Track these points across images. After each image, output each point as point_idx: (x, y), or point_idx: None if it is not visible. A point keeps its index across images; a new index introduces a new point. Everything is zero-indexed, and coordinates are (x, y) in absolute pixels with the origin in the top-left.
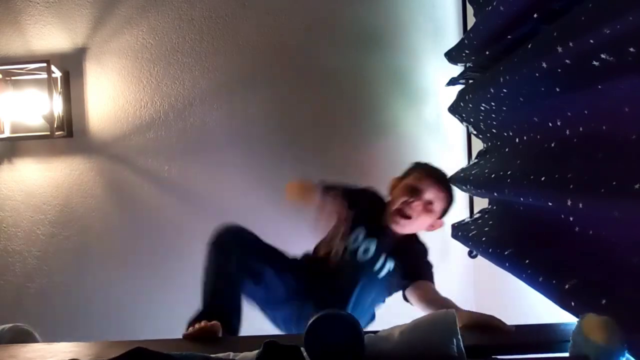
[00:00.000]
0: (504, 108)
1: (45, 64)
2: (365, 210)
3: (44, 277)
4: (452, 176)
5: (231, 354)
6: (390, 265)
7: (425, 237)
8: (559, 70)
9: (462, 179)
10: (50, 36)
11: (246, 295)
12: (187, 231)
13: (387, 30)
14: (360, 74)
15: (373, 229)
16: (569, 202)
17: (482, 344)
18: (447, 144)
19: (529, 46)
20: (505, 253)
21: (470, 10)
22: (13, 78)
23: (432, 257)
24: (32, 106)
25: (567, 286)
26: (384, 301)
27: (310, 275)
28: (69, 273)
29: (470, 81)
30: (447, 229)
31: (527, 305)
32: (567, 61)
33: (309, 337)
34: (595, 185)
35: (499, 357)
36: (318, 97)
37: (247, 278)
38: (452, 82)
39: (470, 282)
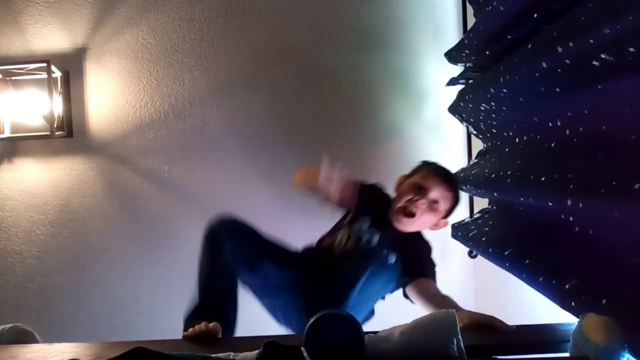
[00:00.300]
0: (504, 108)
1: (45, 64)
2: (371, 203)
3: (44, 277)
4: None
5: (231, 354)
6: (392, 259)
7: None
8: (559, 70)
9: (462, 179)
10: (50, 36)
11: (243, 283)
12: (187, 231)
13: (387, 30)
14: (360, 74)
15: (377, 221)
16: (569, 202)
17: (482, 344)
18: (447, 144)
19: (529, 46)
20: (505, 253)
21: (470, 10)
22: (13, 78)
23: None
24: (32, 106)
25: (567, 286)
26: (384, 297)
27: (310, 264)
28: (69, 273)
29: (470, 81)
30: (447, 229)
31: (527, 305)
32: (567, 61)
33: (310, 337)
34: (595, 185)
35: (499, 357)
36: (318, 97)
37: (242, 267)
38: (452, 82)
39: (470, 282)
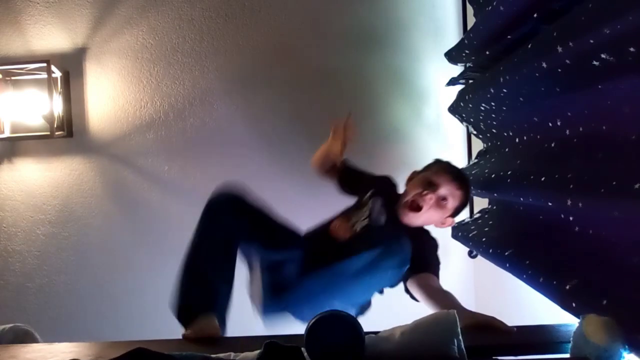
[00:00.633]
0: (504, 108)
1: (45, 64)
2: (382, 189)
3: (44, 277)
4: None
5: (232, 354)
6: (406, 245)
7: None
8: (559, 70)
9: None
10: (50, 36)
11: (241, 255)
12: (187, 231)
13: (387, 30)
14: (360, 74)
15: (387, 206)
16: (569, 202)
17: (483, 344)
18: (447, 144)
19: (529, 46)
20: (506, 254)
21: (470, 10)
22: (13, 78)
23: None
24: (32, 106)
25: (567, 287)
26: (382, 292)
27: (312, 244)
28: (69, 273)
29: (470, 81)
30: (447, 229)
31: (527, 305)
32: (567, 61)
33: (310, 338)
34: (595, 185)
35: (499, 357)
36: (318, 97)
37: (242, 240)
38: (452, 82)
39: (470, 282)
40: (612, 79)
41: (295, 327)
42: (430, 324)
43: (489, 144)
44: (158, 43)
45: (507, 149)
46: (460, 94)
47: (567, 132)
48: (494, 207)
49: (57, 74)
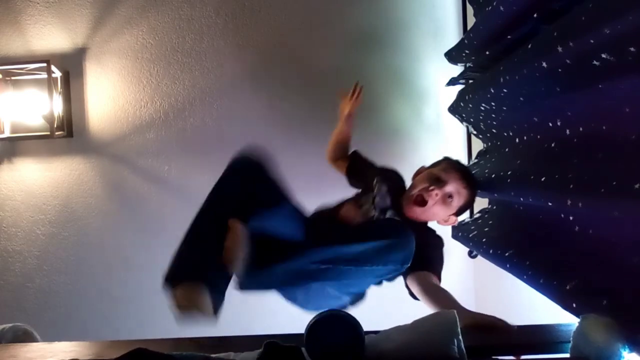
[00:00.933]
0: (504, 108)
1: (45, 64)
2: (389, 178)
3: (44, 277)
4: None
5: (232, 354)
6: (412, 240)
7: None
8: (560, 70)
9: None
10: (50, 36)
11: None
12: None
13: (387, 30)
14: (360, 74)
15: (393, 195)
16: (569, 202)
17: (483, 344)
18: (447, 144)
19: (529, 46)
20: (506, 254)
21: (470, 10)
22: (13, 78)
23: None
24: (32, 106)
25: (568, 287)
26: (381, 282)
27: (317, 225)
28: (69, 273)
29: (470, 81)
30: (447, 229)
31: (527, 305)
32: (567, 61)
33: (310, 338)
34: (595, 185)
35: (499, 357)
36: (318, 97)
37: (255, 211)
38: (452, 82)
39: (470, 282)
40: (612, 78)
41: (295, 327)
42: (430, 324)
43: (489, 144)
44: (158, 43)
45: (507, 149)
46: (460, 94)
47: (567, 132)
48: (494, 207)
49: (57, 74)
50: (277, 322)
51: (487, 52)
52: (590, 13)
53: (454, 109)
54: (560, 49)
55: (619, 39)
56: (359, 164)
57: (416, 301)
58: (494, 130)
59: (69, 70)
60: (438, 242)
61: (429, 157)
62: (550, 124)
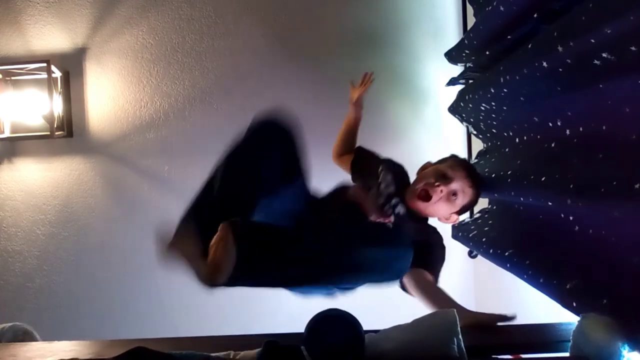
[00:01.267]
0: (504, 108)
1: (45, 64)
2: (394, 168)
3: (43, 277)
4: None
5: (231, 353)
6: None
7: None
8: (560, 69)
9: None
10: (50, 36)
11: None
12: None
13: (387, 30)
14: (360, 74)
15: (397, 185)
16: (569, 202)
17: (483, 344)
18: (447, 144)
19: (529, 46)
20: (506, 254)
21: (470, 10)
22: (13, 78)
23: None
24: (32, 106)
25: (568, 286)
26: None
27: (325, 208)
28: (69, 273)
29: (470, 81)
30: (447, 229)
31: (527, 305)
32: (567, 61)
33: (310, 337)
34: (595, 185)
35: (499, 357)
36: (318, 97)
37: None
38: (452, 82)
39: (470, 282)
40: (612, 78)
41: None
42: (430, 323)
43: (489, 144)
44: (158, 43)
45: (507, 149)
46: (460, 94)
47: (567, 132)
48: (494, 207)
49: (57, 74)
50: (277, 322)
51: (487, 52)
52: (591, 13)
53: (454, 109)
54: (560, 48)
55: (620, 38)
56: (363, 157)
57: (414, 299)
58: (494, 130)
59: (69, 70)
60: (438, 240)
61: (429, 157)
62: (550, 124)
